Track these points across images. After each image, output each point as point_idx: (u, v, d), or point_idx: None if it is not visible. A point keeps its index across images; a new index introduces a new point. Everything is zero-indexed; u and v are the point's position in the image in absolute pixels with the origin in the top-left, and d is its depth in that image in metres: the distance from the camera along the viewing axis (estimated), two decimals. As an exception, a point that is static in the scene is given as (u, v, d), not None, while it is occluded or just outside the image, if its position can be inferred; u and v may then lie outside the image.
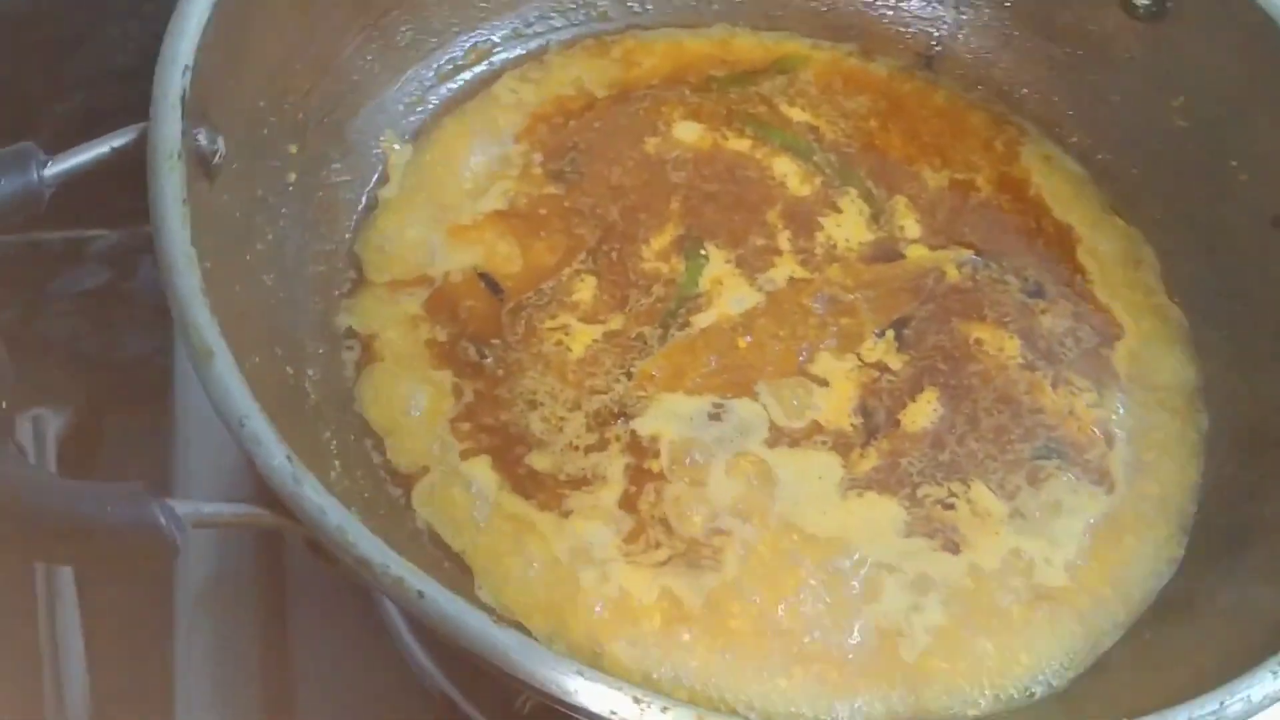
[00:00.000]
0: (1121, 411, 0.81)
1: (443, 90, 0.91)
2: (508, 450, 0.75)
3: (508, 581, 0.70)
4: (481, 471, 0.73)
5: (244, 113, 0.73)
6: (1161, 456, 0.80)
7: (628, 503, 0.73)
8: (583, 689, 0.52)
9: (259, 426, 0.55)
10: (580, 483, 0.74)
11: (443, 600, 0.53)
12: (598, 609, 0.69)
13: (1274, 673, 0.58)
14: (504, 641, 0.52)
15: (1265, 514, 0.74)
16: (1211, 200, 0.87)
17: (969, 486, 0.77)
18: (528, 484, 0.73)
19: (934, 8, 0.99)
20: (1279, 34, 0.81)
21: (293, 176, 0.78)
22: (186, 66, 0.65)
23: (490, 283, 0.82)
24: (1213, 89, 0.87)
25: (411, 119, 0.89)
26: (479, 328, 0.80)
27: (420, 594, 0.53)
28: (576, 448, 0.75)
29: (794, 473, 0.76)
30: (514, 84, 0.92)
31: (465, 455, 0.74)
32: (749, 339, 0.81)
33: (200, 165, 0.67)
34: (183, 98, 0.64)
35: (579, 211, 0.86)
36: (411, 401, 0.76)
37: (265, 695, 0.79)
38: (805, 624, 0.70)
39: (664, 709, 0.52)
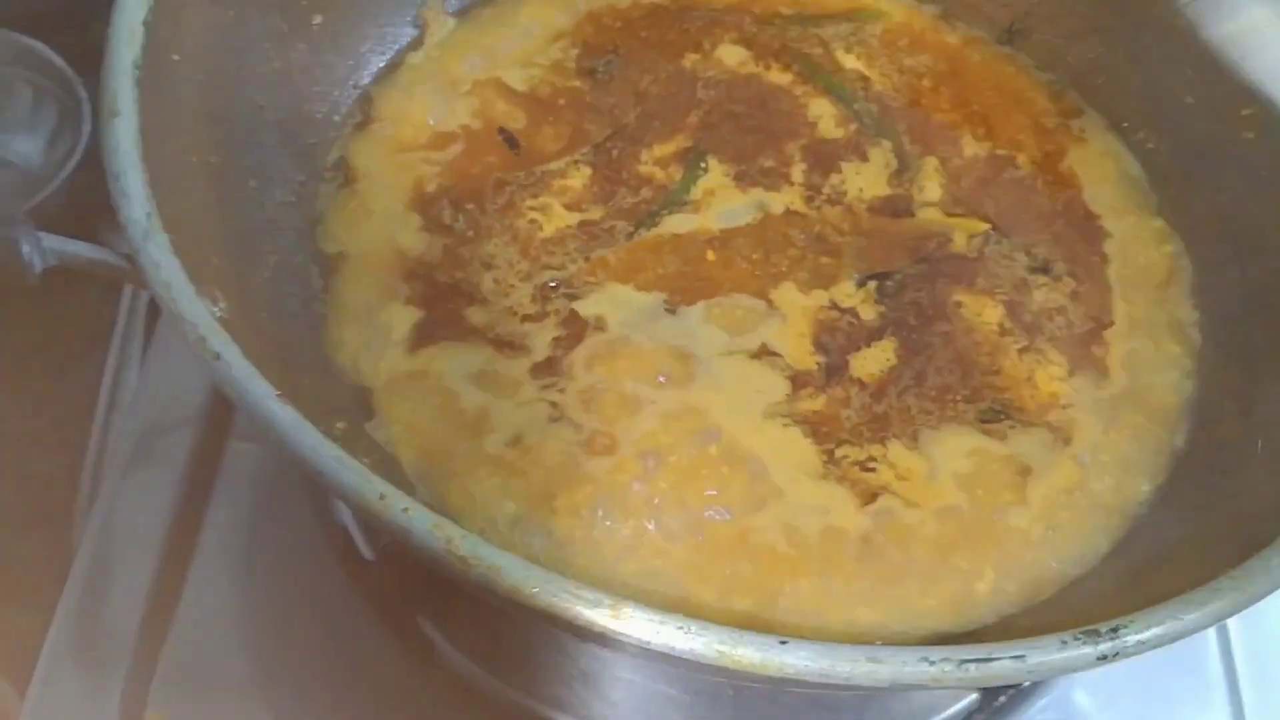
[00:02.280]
0: (1087, 396, 0.76)
1: (503, -24, 0.93)
2: (448, 300, 0.76)
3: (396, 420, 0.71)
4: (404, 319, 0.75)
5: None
6: (1121, 459, 0.75)
7: (545, 368, 0.74)
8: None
9: (133, 184, 0.58)
10: (506, 345, 0.75)
11: (241, 373, 0.54)
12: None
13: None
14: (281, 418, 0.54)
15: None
16: (1265, 222, 0.81)
17: (886, 447, 0.73)
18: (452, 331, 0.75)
19: (1027, -19, 0.95)
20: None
21: (319, 19, 0.82)
22: None
23: (509, 137, 0.84)
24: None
25: (462, -4, 0.91)
26: (464, 190, 0.81)
27: (217, 355, 0.54)
28: (515, 313, 0.76)
29: (733, 377, 0.74)
30: (577, -19, 0.93)
31: (406, 301, 0.76)
32: (719, 253, 0.80)
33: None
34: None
35: (596, 108, 0.87)
36: (374, 233, 0.78)
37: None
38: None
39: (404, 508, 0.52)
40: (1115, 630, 0.53)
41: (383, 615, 0.77)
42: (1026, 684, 0.77)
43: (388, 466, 0.69)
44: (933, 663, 0.51)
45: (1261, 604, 0.80)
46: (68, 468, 0.95)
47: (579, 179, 0.83)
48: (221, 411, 0.85)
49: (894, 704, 0.77)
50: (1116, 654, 0.53)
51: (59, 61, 1.01)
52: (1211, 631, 0.82)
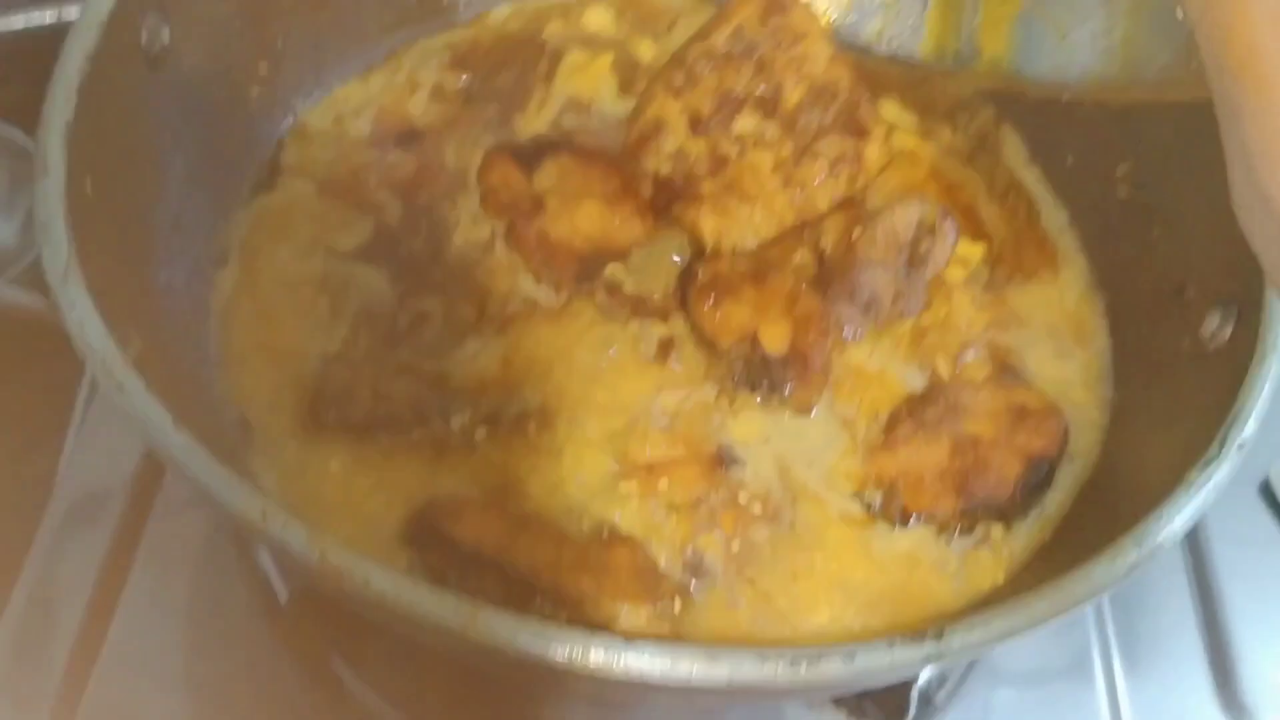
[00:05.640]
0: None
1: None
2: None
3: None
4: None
5: (212, 22, 0.84)
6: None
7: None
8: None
9: (55, 233, 0.64)
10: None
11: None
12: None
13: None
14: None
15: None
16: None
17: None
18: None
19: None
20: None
21: (255, 91, 0.88)
22: (139, -38, 0.76)
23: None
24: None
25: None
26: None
27: (120, 386, 0.60)
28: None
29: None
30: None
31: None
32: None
33: (140, 47, 0.77)
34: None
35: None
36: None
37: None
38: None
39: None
40: (940, 633, 0.57)
41: (297, 656, 0.82)
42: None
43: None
44: (766, 659, 0.55)
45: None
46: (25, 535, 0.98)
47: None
48: (151, 474, 0.90)
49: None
50: (941, 655, 0.57)
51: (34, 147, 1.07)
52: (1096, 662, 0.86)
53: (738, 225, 0.85)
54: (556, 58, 0.97)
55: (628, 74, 0.96)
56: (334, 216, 0.87)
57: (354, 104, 0.94)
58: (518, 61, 0.97)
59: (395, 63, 0.97)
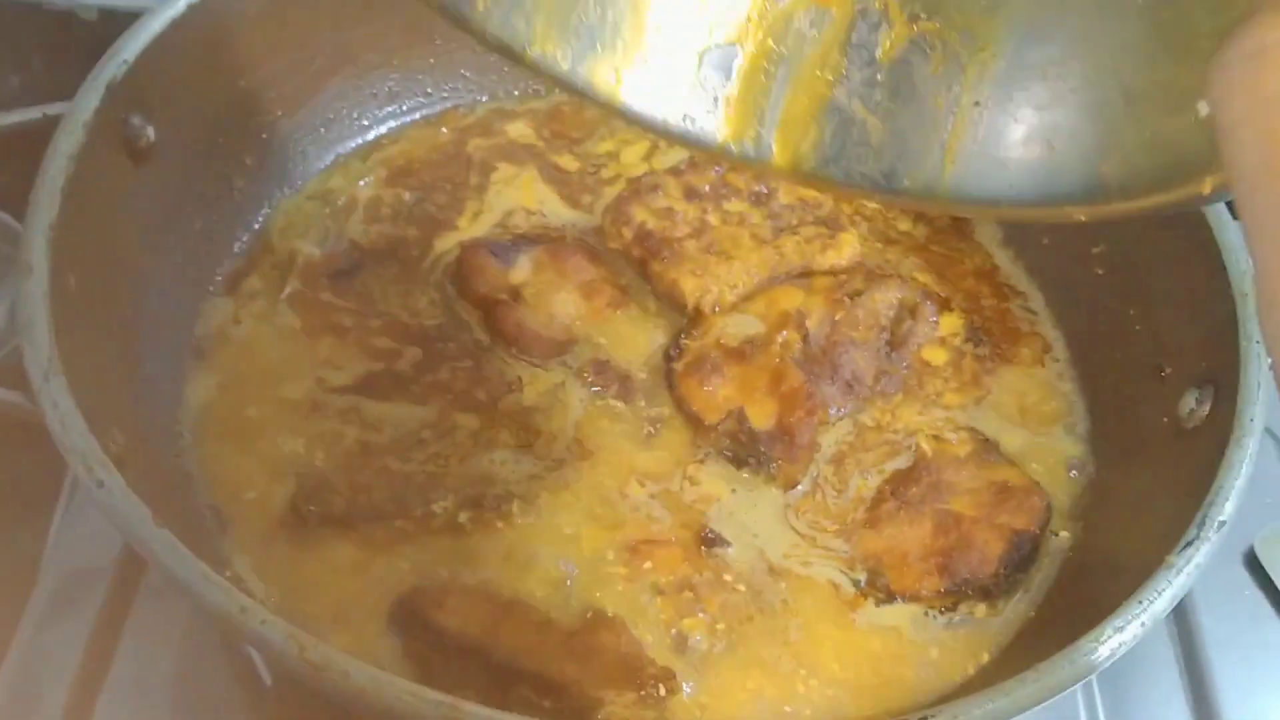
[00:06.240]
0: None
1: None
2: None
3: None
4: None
5: (198, 117, 0.85)
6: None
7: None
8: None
9: (39, 333, 0.64)
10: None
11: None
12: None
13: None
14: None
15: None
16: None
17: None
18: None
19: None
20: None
21: (240, 183, 0.89)
22: (125, 60, 0.77)
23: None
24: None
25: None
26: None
27: (100, 483, 0.60)
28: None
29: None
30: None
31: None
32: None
33: (124, 144, 0.78)
34: (110, 84, 0.76)
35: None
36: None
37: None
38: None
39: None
40: (924, 720, 0.57)
41: (281, 740, 0.81)
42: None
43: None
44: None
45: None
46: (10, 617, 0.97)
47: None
48: (137, 556, 0.89)
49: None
50: (924, 742, 0.57)
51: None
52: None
53: (717, 282, 0.88)
54: (486, 170, 0.99)
55: (563, 186, 0.99)
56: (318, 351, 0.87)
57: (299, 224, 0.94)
58: (449, 178, 0.98)
59: (330, 178, 0.98)
